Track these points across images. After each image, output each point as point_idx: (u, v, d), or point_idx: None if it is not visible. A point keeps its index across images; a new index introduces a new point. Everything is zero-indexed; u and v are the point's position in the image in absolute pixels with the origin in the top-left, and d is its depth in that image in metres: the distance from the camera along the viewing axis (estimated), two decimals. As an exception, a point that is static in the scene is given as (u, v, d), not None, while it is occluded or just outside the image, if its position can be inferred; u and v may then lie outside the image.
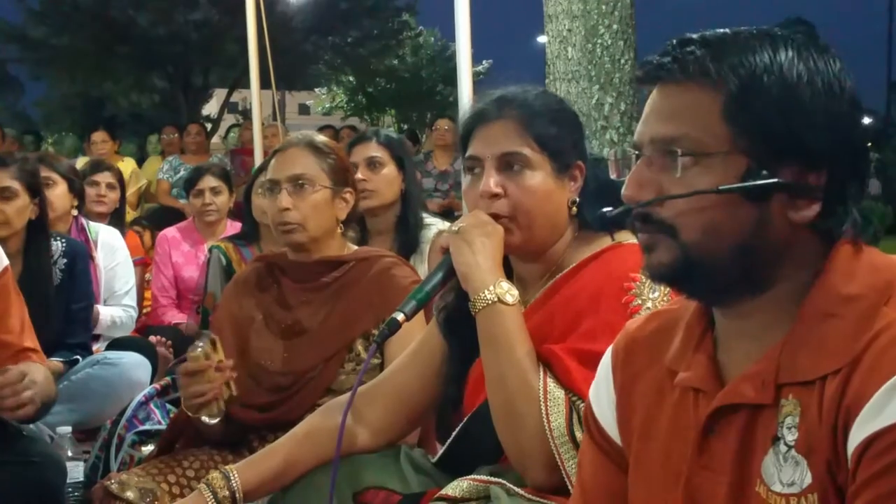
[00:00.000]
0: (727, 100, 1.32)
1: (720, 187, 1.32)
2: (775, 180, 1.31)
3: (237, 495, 2.22)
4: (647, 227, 1.38)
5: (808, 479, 1.26)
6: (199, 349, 2.61)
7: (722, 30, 1.39)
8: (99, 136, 9.22)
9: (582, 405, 1.92)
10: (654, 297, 1.99)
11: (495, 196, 2.10)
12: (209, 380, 2.61)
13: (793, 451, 1.28)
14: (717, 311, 1.44)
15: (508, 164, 2.11)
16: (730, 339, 1.43)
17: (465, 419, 2.19)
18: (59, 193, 4.75)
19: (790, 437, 1.29)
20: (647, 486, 1.50)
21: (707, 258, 1.34)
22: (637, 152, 1.41)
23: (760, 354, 1.35)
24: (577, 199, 2.16)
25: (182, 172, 8.93)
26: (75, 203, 4.85)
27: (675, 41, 1.39)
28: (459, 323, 2.14)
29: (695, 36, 1.38)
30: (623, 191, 1.40)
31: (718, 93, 1.33)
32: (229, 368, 2.65)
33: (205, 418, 2.66)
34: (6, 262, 3.05)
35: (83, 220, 4.87)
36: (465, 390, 2.23)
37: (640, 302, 2.00)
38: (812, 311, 1.32)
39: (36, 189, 3.99)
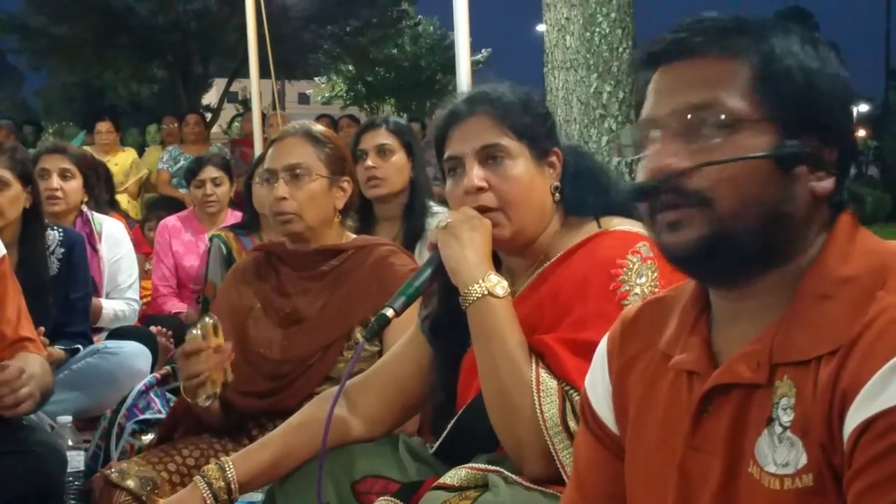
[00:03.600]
0: (754, 71, 1.35)
1: (764, 153, 1.32)
2: (808, 150, 1.33)
3: (232, 486, 2.24)
4: (679, 201, 1.36)
5: (804, 460, 1.27)
6: (197, 331, 2.62)
7: (729, 13, 1.42)
8: (104, 127, 9.20)
9: (575, 395, 1.93)
10: (642, 283, 2.00)
11: (480, 190, 2.11)
12: (204, 360, 2.61)
13: (788, 433, 1.29)
14: (716, 293, 1.45)
15: (489, 156, 2.12)
16: (726, 322, 1.43)
17: (459, 413, 2.20)
18: (74, 187, 4.75)
19: (786, 417, 1.29)
20: (642, 470, 1.50)
21: (739, 229, 1.33)
22: (652, 129, 1.40)
23: (755, 336, 1.36)
24: (559, 185, 2.17)
25: (182, 162, 8.95)
26: (85, 199, 4.85)
27: (688, 20, 1.41)
28: (444, 326, 2.16)
29: (710, 15, 1.41)
30: (648, 165, 1.38)
31: (743, 65, 1.36)
32: (228, 351, 2.65)
33: (199, 400, 2.66)
34: (3, 251, 3.05)
35: (87, 212, 4.86)
36: (455, 392, 2.23)
37: (627, 288, 2.00)
38: (808, 291, 1.33)
39: (28, 178, 3.98)
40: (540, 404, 1.95)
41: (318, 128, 3.05)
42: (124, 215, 6.37)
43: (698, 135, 1.35)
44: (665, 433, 1.46)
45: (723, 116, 1.34)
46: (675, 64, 1.40)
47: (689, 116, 1.36)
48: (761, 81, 1.34)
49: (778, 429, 1.30)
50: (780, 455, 1.29)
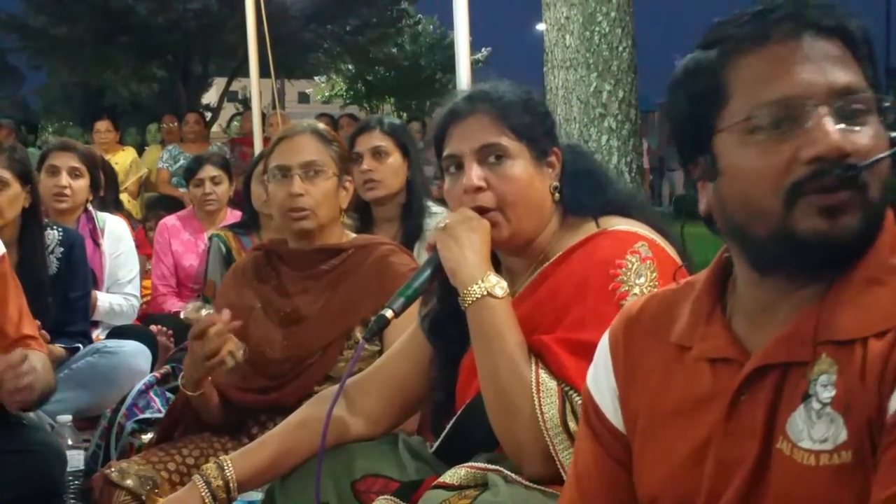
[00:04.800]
0: (857, 50, 1.35)
1: None
2: None
3: (231, 485, 2.24)
4: (847, 185, 1.30)
5: (843, 437, 1.27)
6: (202, 311, 2.64)
7: None
8: (103, 126, 9.18)
9: (575, 395, 1.92)
10: (641, 283, 1.99)
11: (479, 189, 2.10)
12: (217, 334, 2.65)
13: (828, 409, 1.29)
14: (764, 279, 1.40)
15: (488, 156, 2.11)
16: (753, 310, 1.43)
17: (458, 413, 2.19)
18: (82, 186, 4.76)
19: (826, 394, 1.29)
20: (664, 464, 1.49)
21: (878, 219, 1.32)
22: (810, 102, 1.32)
23: (789, 320, 1.36)
24: (559, 185, 2.17)
25: (182, 161, 8.94)
26: (90, 198, 4.86)
27: None
28: (444, 325, 2.15)
29: None
30: (828, 143, 1.29)
31: (849, 44, 1.35)
32: (229, 319, 2.69)
33: (230, 362, 2.69)
34: (3, 250, 3.05)
35: (91, 210, 4.86)
36: (454, 392, 2.23)
37: (626, 288, 1.99)
38: (857, 276, 1.33)
39: (27, 177, 3.98)
40: (540, 405, 1.94)
41: (323, 126, 3.08)
42: (127, 215, 6.36)
43: (854, 116, 1.32)
44: (686, 423, 1.45)
45: (865, 100, 1.32)
46: (811, 35, 1.35)
47: (844, 98, 1.32)
48: (866, 59, 1.35)
49: (816, 405, 1.30)
50: (817, 431, 1.29)
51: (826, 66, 1.33)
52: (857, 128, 1.31)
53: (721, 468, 1.39)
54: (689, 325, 1.49)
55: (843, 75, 1.33)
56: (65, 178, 4.66)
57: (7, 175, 3.89)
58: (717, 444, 1.40)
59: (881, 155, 1.30)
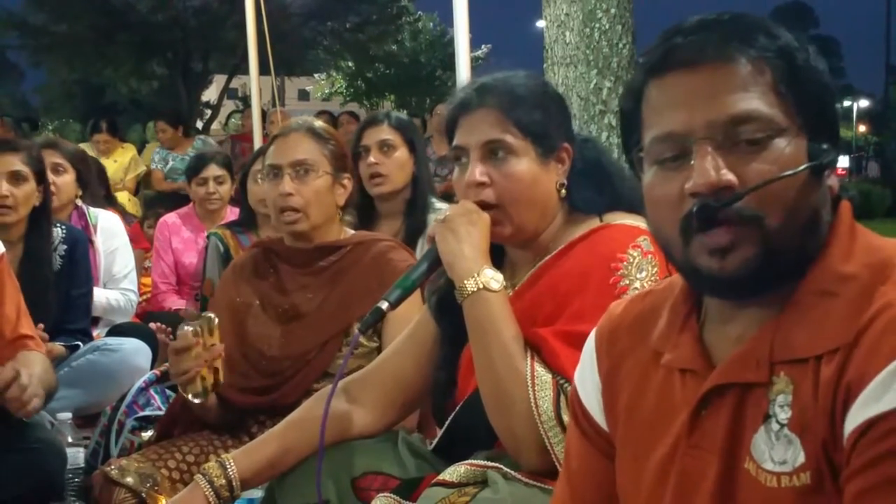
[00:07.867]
0: (778, 74, 1.32)
1: (813, 163, 1.31)
2: (835, 151, 1.33)
3: (234, 483, 2.24)
4: (731, 221, 1.29)
5: (801, 458, 1.26)
6: (189, 328, 2.62)
7: (724, 12, 1.38)
8: (102, 137, 9.15)
9: (569, 387, 1.92)
10: (642, 278, 2.00)
11: (481, 185, 2.10)
12: (194, 357, 2.61)
13: (785, 430, 1.28)
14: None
15: (492, 152, 2.11)
16: (720, 320, 1.42)
17: (457, 408, 2.20)
18: (67, 181, 4.74)
19: (783, 415, 1.28)
20: (635, 468, 1.49)
21: (786, 244, 1.30)
22: (691, 140, 1.33)
23: (752, 334, 1.35)
24: (565, 182, 2.16)
25: (171, 163, 9.01)
26: (79, 193, 4.85)
27: (694, 21, 1.37)
28: (451, 305, 2.14)
29: (713, 17, 1.37)
30: (698, 180, 1.30)
31: (765, 70, 1.32)
32: (219, 352, 2.65)
33: (189, 396, 2.67)
34: (2, 249, 3.05)
35: (83, 206, 4.86)
36: (457, 374, 2.23)
37: (627, 282, 2.00)
38: (810, 289, 1.31)
39: (42, 175, 3.99)
40: (535, 398, 1.95)
41: (320, 124, 3.05)
42: (121, 211, 6.36)
43: (737, 147, 1.31)
44: (658, 430, 1.45)
45: (766, 129, 1.30)
46: (695, 69, 1.33)
47: (726, 130, 1.30)
48: (786, 84, 1.31)
49: (775, 426, 1.29)
50: (777, 453, 1.28)
51: (716, 98, 1.31)
52: (750, 157, 1.30)
53: (683, 481, 1.38)
54: (666, 331, 1.49)
55: (738, 104, 1.30)
56: (48, 175, 4.65)
57: (26, 171, 3.91)
58: (680, 457, 1.40)
59: (746, 189, 1.29)
